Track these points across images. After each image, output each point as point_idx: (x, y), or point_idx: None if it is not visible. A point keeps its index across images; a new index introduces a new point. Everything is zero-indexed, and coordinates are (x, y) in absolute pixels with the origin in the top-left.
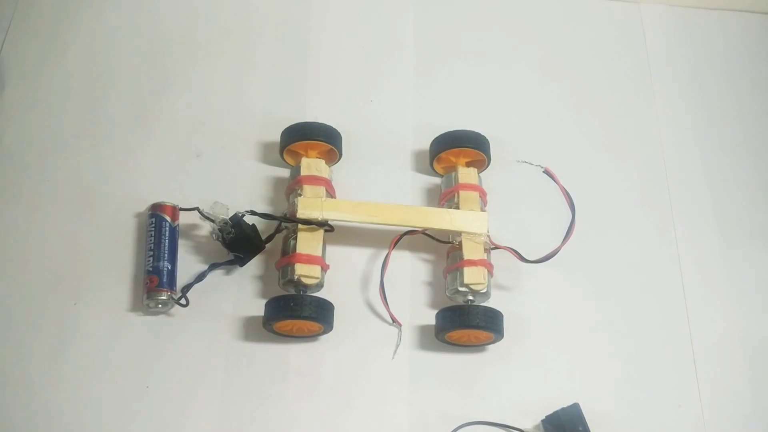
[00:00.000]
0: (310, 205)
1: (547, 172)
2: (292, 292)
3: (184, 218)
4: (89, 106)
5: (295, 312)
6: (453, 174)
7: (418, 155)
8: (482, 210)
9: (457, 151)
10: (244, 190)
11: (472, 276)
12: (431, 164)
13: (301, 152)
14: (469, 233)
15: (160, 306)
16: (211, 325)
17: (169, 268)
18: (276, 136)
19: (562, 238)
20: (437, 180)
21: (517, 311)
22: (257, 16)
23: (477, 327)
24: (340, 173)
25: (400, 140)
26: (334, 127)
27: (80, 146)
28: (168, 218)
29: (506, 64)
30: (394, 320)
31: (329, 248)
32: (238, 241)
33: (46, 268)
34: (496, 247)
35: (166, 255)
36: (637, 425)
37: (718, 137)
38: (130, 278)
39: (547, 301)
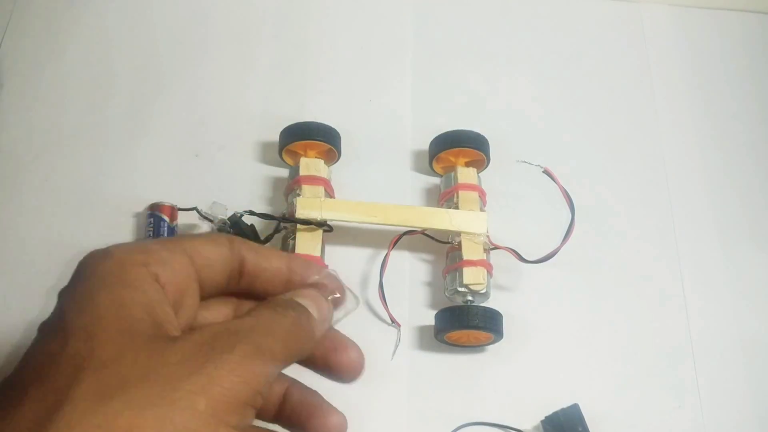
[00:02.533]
0: (308, 205)
1: (547, 172)
2: None
3: (182, 218)
4: (88, 105)
5: None
6: (452, 174)
7: (417, 155)
8: (482, 210)
9: (456, 150)
10: (243, 190)
11: (471, 276)
12: (430, 164)
13: (300, 152)
14: (468, 233)
15: None
16: None
17: None
18: (275, 136)
19: (562, 238)
20: (436, 180)
21: (516, 311)
22: (256, 16)
23: (476, 327)
24: (339, 173)
25: (399, 140)
26: (333, 126)
27: (78, 146)
28: (166, 218)
29: (506, 64)
30: (393, 320)
31: (328, 248)
32: None
33: (44, 269)
34: (496, 248)
35: None
36: (637, 425)
37: (718, 137)
38: None
39: (547, 301)
